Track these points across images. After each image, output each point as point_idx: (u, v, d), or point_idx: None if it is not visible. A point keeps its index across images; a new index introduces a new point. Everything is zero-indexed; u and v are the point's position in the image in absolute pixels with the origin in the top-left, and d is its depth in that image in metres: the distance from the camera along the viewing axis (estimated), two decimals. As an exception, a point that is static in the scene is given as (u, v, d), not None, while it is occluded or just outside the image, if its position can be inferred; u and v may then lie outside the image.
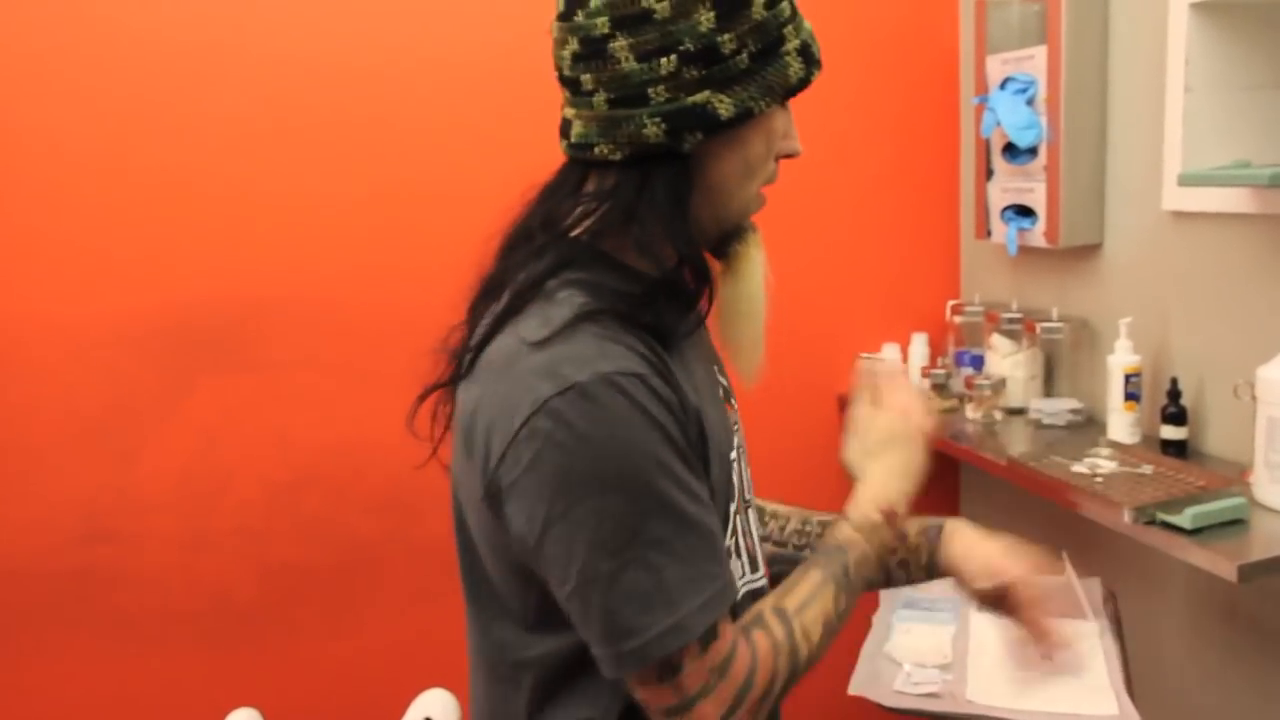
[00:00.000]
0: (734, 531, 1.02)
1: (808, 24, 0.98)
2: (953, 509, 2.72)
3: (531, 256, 0.97)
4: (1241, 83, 1.87)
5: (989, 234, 2.41)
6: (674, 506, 0.87)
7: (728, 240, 1.01)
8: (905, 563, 1.20)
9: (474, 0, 2.21)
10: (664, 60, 0.90)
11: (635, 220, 0.93)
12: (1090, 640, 1.52)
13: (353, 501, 2.26)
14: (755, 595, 1.04)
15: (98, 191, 2.04)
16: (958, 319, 2.52)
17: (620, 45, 0.90)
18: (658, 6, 0.89)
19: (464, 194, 2.25)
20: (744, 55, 0.91)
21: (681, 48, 0.89)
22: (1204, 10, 1.85)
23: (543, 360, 0.87)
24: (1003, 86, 2.25)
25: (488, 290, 1.00)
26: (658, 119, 0.91)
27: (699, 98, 0.90)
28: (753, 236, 1.03)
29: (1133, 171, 2.09)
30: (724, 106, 0.91)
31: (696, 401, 0.93)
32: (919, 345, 2.58)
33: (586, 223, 0.96)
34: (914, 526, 1.20)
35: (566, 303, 0.91)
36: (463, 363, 0.98)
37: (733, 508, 1.02)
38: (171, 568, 2.16)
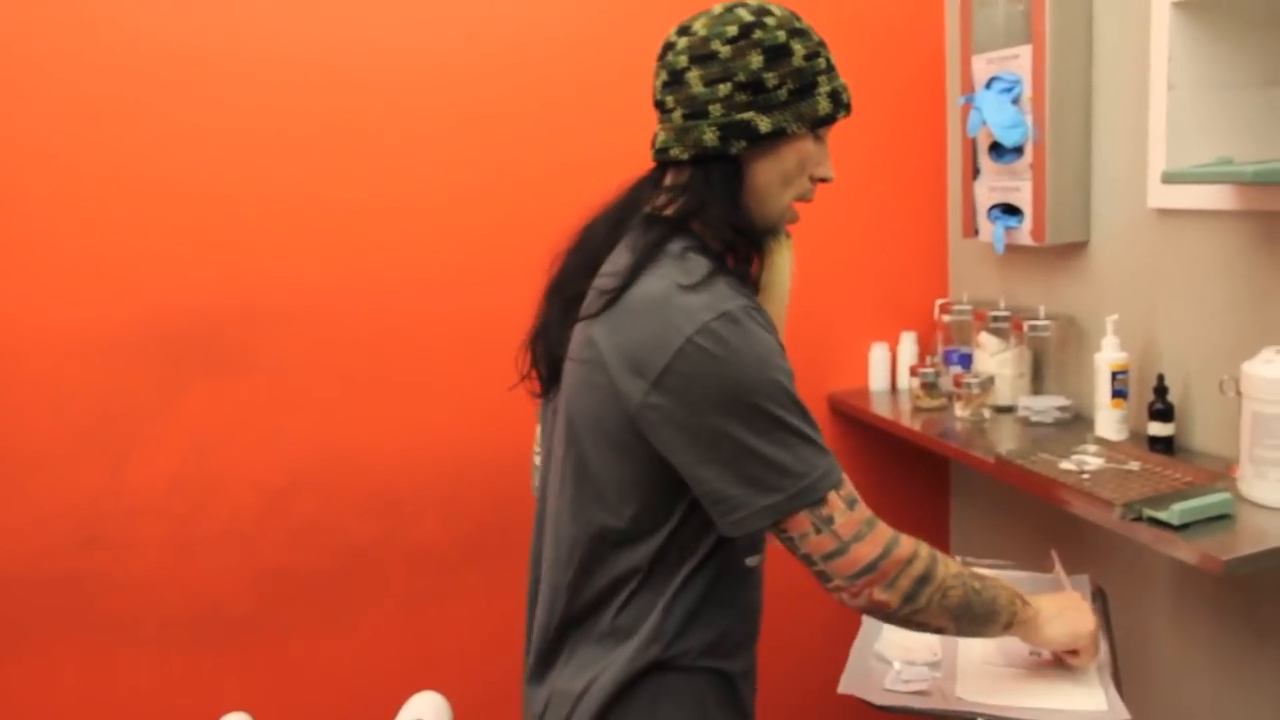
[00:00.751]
0: None
1: (842, 80, 1.29)
2: (943, 506, 2.74)
3: (642, 226, 1.25)
4: (1224, 81, 1.88)
5: (976, 232, 2.42)
6: (798, 404, 1.17)
7: (765, 236, 1.29)
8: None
9: (468, 8, 2.22)
10: (722, 86, 1.21)
11: (704, 206, 1.23)
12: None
13: (346, 506, 2.27)
14: None
15: (91, 196, 2.04)
16: (946, 317, 2.53)
17: (693, 74, 1.22)
18: (722, 49, 1.21)
19: (459, 200, 2.26)
20: (784, 90, 1.22)
21: (736, 79, 1.21)
22: (1186, 9, 1.86)
23: (696, 298, 1.15)
24: (989, 86, 2.26)
25: (599, 248, 1.28)
26: (714, 128, 1.21)
27: (746, 116, 1.21)
28: (785, 239, 1.32)
29: (1118, 169, 2.11)
30: (764, 123, 1.21)
31: None
32: (907, 344, 2.60)
33: (672, 208, 1.25)
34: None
35: (697, 262, 1.20)
36: (596, 304, 1.21)
37: None
38: (164, 572, 2.16)
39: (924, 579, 1.21)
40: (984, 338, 2.37)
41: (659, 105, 1.28)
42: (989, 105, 2.24)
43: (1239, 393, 1.70)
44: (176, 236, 2.10)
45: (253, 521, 2.21)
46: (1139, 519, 1.64)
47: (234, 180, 2.12)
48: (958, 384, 2.31)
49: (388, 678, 2.29)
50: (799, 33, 1.24)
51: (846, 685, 1.40)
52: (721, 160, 1.23)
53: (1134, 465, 1.86)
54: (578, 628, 1.29)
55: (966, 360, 2.42)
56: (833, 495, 1.16)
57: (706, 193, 1.23)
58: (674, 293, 1.16)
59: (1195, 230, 1.93)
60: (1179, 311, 1.99)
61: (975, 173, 2.40)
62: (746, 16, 1.23)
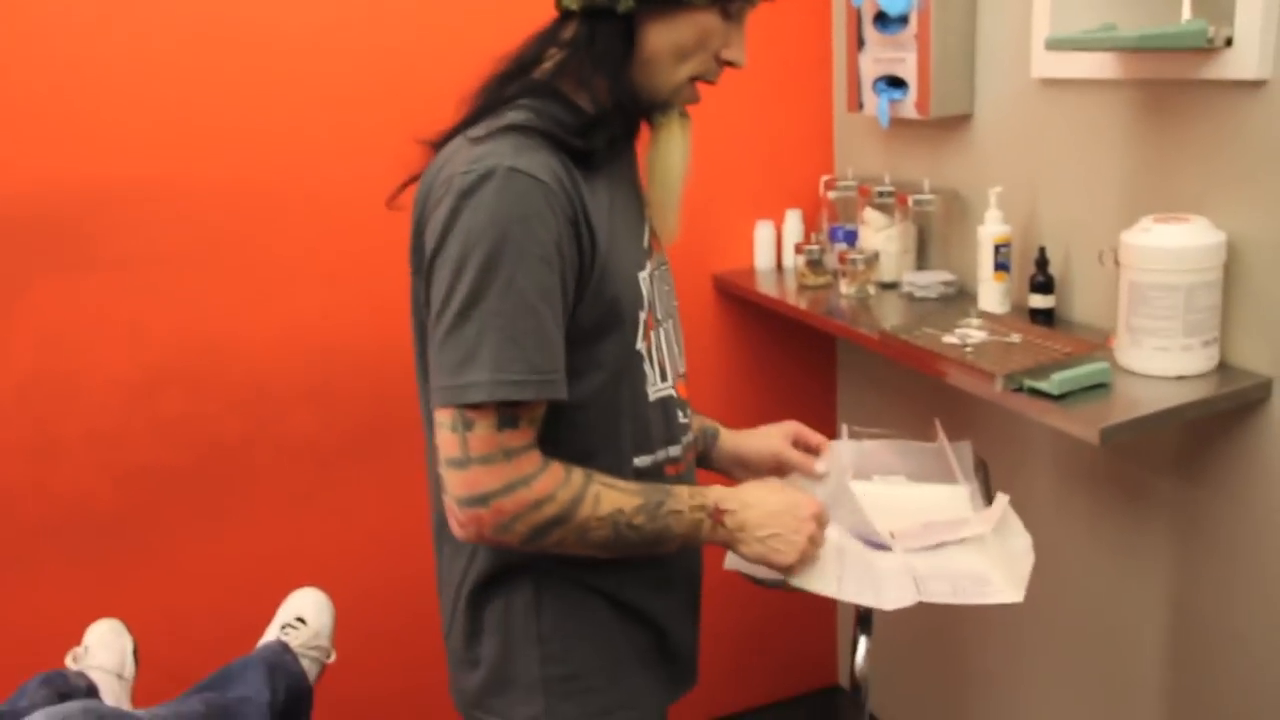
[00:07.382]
0: (644, 338, 1.23)
1: None
2: (829, 384, 2.75)
3: (500, 87, 1.20)
4: (1109, -56, 1.85)
5: (861, 106, 2.38)
6: (521, 292, 1.07)
7: (654, 110, 1.23)
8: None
9: None
10: None
11: (582, 63, 1.17)
12: (961, 503, 1.54)
13: (214, 399, 2.16)
14: (663, 402, 1.28)
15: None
16: (831, 194, 2.50)
17: None
18: None
19: (324, 64, 2.12)
20: None
21: None
22: None
23: (472, 151, 1.10)
24: (873, -48, 2.20)
25: (486, 107, 1.20)
26: None
27: None
28: (676, 115, 1.24)
29: (1002, 39, 2.07)
30: None
31: (598, 219, 1.15)
32: (793, 221, 2.56)
33: (548, 64, 1.20)
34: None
35: (508, 117, 1.14)
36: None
37: (642, 315, 1.23)
38: (20, 480, 2.05)
39: (555, 521, 1.12)
40: (869, 214, 2.34)
41: None
42: (874, -28, 2.17)
43: (1117, 263, 1.71)
44: (6, 112, 1.93)
45: (114, 421, 2.09)
46: (1019, 389, 1.65)
47: (64, 48, 1.94)
48: (843, 261, 2.29)
49: (265, 575, 2.22)
50: None
51: (731, 563, 1.39)
52: (609, 17, 1.14)
53: (1015, 337, 1.86)
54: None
55: (852, 237, 2.40)
56: (492, 406, 1.07)
57: (587, 53, 1.16)
58: (461, 147, 1.14)
59: (1078, 100, 1.92)
60: (1061, 183, 1.99)
61: (860, 44, 2.34)
62: None
